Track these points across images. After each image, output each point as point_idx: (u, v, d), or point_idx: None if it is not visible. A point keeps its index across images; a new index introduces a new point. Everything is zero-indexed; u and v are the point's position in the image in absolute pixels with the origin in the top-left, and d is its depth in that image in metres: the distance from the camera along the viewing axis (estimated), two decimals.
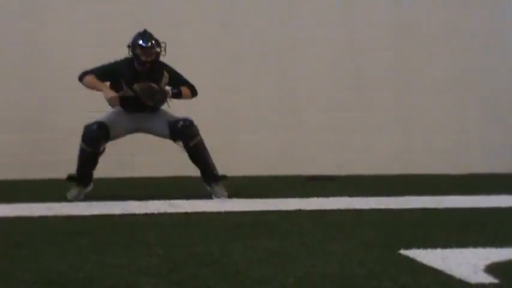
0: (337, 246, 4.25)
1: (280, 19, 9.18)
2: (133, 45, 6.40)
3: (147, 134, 6.73)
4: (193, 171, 8.13)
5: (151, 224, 5.10)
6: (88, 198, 6.41)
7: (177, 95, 6.52)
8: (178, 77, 6.62)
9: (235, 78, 9.04)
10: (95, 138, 6.33)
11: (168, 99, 6.44)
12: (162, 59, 6.48)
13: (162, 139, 6.65)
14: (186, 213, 5.63)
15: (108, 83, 6.42)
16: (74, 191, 6.41)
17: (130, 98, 6.40)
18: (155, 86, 6.36)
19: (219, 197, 6.49)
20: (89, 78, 6.39)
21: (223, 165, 8.51)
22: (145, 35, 6.43)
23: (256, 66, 9.11)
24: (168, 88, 6.49)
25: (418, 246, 4.19)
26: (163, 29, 8.65)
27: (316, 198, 6.56)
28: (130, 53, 6.41)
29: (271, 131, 9.15)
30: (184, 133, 6.44)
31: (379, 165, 9.26)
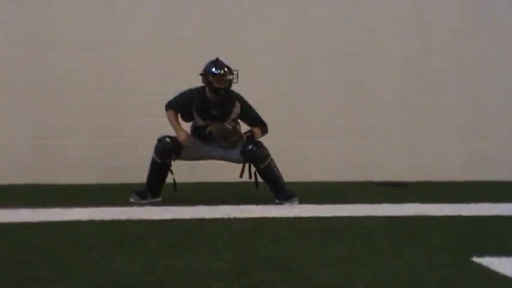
0: (408, 252, 4.20)
1: (349, 21, 9.12)
2: (205, 73, 6.51)
3: (221, 161, 6.82)
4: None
5: (221, 228, 5.13)
6: (159, 202, 6.49)
7: (250, 138, 6.57)
8: (251, 111, 6.67)
9: (303, 82, 9.01)
10: (165, 150, 6.51)
11: (241, 142, 6.52)
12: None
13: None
14: (256, 218, 5.64)
15: (181, 126, 6.61)
16: (136, 196, 6.57)
17: (202, 128, 6.56)
18: (230, 128, 6.48)
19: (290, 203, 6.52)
20: (169, 115, 6.62)
21: (293, 170, 8.51)
22: (217, 62, 6.53)
23: (325, 70, 9.07)
24: (240, 129, 6.59)
25: (492, 254, 4.10)
26: (230, 32, 8.77)
27: (386, 205, 6.49)
28: (203, 82, 6.53)
29: (341, 136, 9.09)
30: (255, 156, 6.53)
31: (452, 171, 9.10)
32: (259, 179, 6.62)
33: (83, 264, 3.85)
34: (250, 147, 6.53)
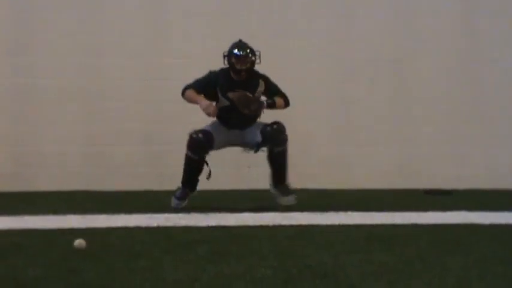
0: (455, 261, 4.15)
1: (397, 29, 9.08)
2: (228, 55, 6.56)
3: (241, 147, 6.83)
4: (308, 183, 8.15)
5: (265, 235, 5.13)
6: (204, 209, 6.52)
7: (271, 106, 6.59)
8: (274, 87, 6.67)
9: (350, 89, 8.99)
10: (201, 146, 6.52)
11: (262, 109, 6.54)
12: (258, 68, 6.61)
13: None
14: (300, 226, 5.64)
15: (202, 96, 6.58)
16: (176, 200, 6.67)
17: (227, 110, 6.53)
18: (250, 95, 6.46)
19: (285, 204, 6.51)
20: (188, 93, 6.62)
21: (339, 178, 8.51)
22: (240, 44, 6.58)
23: (372, 78, 9.03)
24: (263, 98, 6.55)
25: None
26: (277, 40, 8.79)
27: (433, 213, 6.44)
28: (226, 63, 6.57)
29: (387, 143, 9.04)
30: (275, 137, 6.49)
31: (499, 179, 8.98)
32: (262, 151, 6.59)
33: (131, 271, 3.89)
34: (274, 126, 6.49)
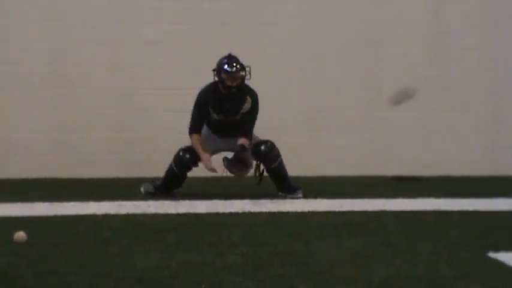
0: (424, 247, 4.19)
1: (367, 15, 9.08)
2: (218, 70, 6.45)
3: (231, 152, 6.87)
4: None
5: (236, 223, 5.14)
6: (174, 197, 6.51)
7: (243, 148, 6.51)
8: (253, 115, 6.60)
9: (320, 76, 8.99)
10: (186, 165, 6.55)
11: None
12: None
13: None
14: (270, 213, 5.65)
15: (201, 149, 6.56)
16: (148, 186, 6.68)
17: (218, 122, 6.54)
18: (244, 160, 6.49)
19: (293, 198, 6.56)
20: (193, 140, 6.56)
21: (308, 165, 8.53)
22: (230, 59, 6.47)
23: (342, 65, 9.05)
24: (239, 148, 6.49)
25: (507, 249, 4.10)
26: (248, 27, 8.76)
27: (401, 199, 6.48)
28: (216, 78, 6.48)
29: (357, 130, 9.07)
30: (267, 157, 6.54)
31: (469, 166, 9.05)
32: (264, 174, 6.65)
33: (100, 258, 3.88)
34: (262, 148, 6.51)
